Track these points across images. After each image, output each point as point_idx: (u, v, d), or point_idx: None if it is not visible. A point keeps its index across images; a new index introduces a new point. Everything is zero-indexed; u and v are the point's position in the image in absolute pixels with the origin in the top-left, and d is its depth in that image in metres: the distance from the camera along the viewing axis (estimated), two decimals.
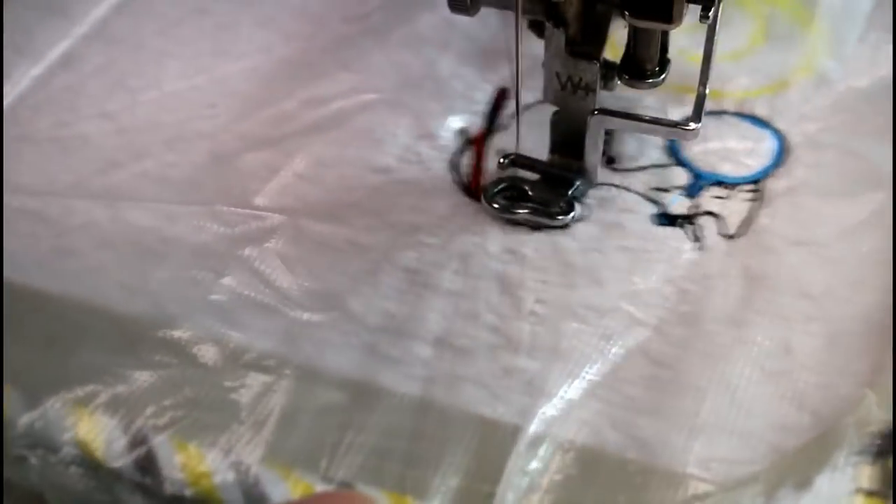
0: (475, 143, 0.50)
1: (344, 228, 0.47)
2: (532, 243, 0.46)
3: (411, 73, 0.54)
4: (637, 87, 0.44)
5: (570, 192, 0.47)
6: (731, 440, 0.39)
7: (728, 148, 0.49)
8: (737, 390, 0.40)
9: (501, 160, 0.47)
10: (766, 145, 0.49)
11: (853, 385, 0.40)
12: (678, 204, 0.47)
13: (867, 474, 0.36)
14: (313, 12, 0.58)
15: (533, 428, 0.39)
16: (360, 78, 0.54)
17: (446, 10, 0.42)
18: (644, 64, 0.43)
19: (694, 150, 0.49)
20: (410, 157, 0.50)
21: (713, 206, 0.47)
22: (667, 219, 0.46)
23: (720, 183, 0.48)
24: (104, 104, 0.53)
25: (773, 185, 0.47)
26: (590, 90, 0.43)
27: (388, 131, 0.51)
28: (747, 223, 0.46)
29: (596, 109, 0.44)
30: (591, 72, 0.43)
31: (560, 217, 0.46)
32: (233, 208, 0.48)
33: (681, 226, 0.46)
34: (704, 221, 0.46)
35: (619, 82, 0.44)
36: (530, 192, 0.47)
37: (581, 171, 0.47)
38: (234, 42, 0.57)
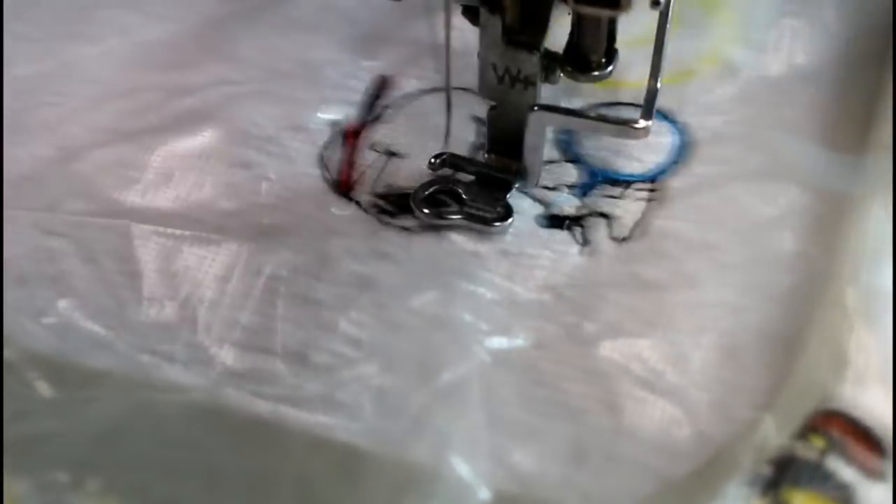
0: (348, 135, 0.46)
1: (198, 231, 0.42)
2: (403, 246, 0.41)
3: (283, 60, 0.49)
4: (581, 81, 0.41)
5: (507, 196, 0.42)
6: (614, 468, 0.35)
7: (624, 143, 0.44)
8: (622, 411, 0.36)
9: (432, 160, 0.43)
10: (666, 140, 0.45)
11: (748, 406, 0.36)
12: (566, 204, 0.43)
13: None
14: None
15: (394, 453, 0.35)
16: (229, 65, 0.49)
17: None
18: (589, 55, 0.40)
19: (586, 146, 0.45)
20: (275, 150, 0.45)
21: (605, 206, 0.43)
22: (553, 220, 0.42)
23: (614, 181, 0.43)
24: None
25: (672, 183, 0.43)
26: (529, 83, 0.40)
27: (254, 123, 0.46)
28: (641, 226, 0.42)
29: (535, 105, 0.40)
30: (530, 63, 0.39)
31: (497, 224, 0.42)
32: (76, 217, 0.43)
33: (568, 228, 0.42)
34: (595, 223, 0.42)
35: (561, 75, 0.41)
36: (464, 196, 0.42)
37: (521, 173, 0.43)
38: (91, 24, 0.51)
